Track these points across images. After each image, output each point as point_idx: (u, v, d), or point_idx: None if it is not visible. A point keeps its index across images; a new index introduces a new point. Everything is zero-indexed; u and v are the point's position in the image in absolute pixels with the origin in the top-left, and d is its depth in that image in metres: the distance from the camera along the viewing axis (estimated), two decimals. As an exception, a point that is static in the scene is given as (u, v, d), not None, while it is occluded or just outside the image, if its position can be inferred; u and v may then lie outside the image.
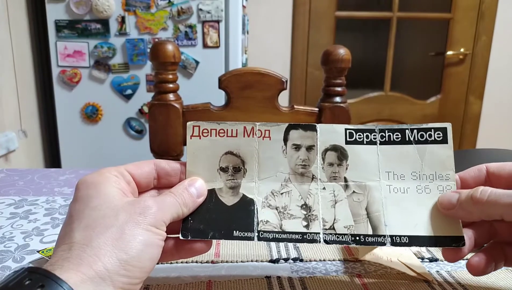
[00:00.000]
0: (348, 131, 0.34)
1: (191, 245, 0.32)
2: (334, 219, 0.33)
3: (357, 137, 0.34)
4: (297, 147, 0.34)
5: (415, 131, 0.34)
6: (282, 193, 0.34)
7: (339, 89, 0.78)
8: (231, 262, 0.40)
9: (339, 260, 0.40)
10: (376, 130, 0.34)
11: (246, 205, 0.33)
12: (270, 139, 0.34)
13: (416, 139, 0.34)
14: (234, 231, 0.32)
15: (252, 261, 0.40)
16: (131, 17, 1.64)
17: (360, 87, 2.32)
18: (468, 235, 0.33)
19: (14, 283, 0.23)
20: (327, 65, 0.76)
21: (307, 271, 0.38)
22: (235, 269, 0.39)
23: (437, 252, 0.42)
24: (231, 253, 0.41)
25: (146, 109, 1.72)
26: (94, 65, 1.69)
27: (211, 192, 0.33)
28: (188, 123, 0.34)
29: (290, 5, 2.18)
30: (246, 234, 0.32)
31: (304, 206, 0.33)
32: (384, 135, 0.34)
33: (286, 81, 0.77)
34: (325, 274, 0.38)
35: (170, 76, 0.76)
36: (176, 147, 0.79)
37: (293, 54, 2.24)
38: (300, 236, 0.32)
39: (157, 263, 0.29)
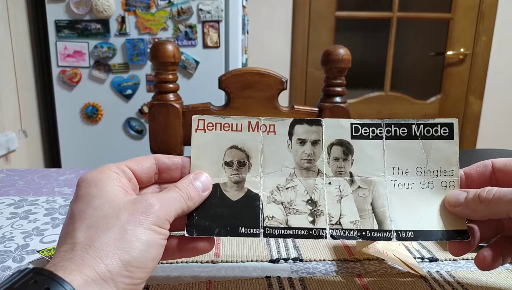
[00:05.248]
0: (353, 125, 0.34)
1: (194, 245, 0.32)
2: (340, 214, 0.33)
3: (362, 131, 0.34)
4: (302, 142, 0.34)
5: (421, 126, 0.34)
6: (287, 188, 0.33)
7: (339, 89, 0.78)
8: (231, 262, 0.40)
9: (339, 260, 0.40)
10: (382, 125, 0.34)
11: (251, 200, 0.33)
12: (275, 134, 0.34)
13: (422, 134, 0.34)
14: (240, 228, 0.32)
15: (252, 261, 0.40)
16: (131, 17, 1.64)
17: (360, 87, 2.32)
18: (474, 229, 0.33)
19: (19, 284, 0.23)
20: (327, 65, 0.76)
21: (307, 271, 0.38)
22: (235, 269, 0.39)
23: (437, 252, 0.42)
24: (231, 253, 0.41)
25: (146, 109, 1.72)
26: (94, 65, 1.69)
27: (216, 187, 0.33)
28: (193, 117, 0.34)
29: (290, 5, 2.18)
30: (251, 230, 0.32)
31: (310, 201, 0.33)
32: (390, 129, 0.34)
33: (286, 81, 0.77)
34: (325, 274, 0.38)
35: (170, 76, 0.76)
36: (176, 147, 0.79)
37: (293, 54, 2.24)
38: (306, 232, 0.32)
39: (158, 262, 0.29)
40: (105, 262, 0.25)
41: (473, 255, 0.39)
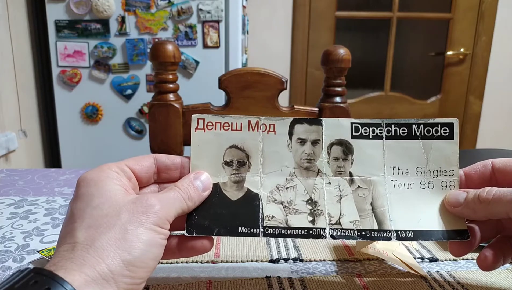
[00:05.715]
0: (354, 125, 0.34)
1: (193, 244, 0.32)
2: (340, 214, 0.33)
3: (363, 131, 0.34)
4: (302, 141, 0.34)
5: (421, 126, 0.34)
6: (287, 188, 0.33)
7: (339, 89, 0.78)
8: (231, 262, 0.40)
9: (339, 260, 0.40)
10: (382, 124, 0.34)
11: (251, 200, 0.33)
12: (275, 133, 0.34)
13: (422, 134, 0.34)
14: (239, 227, 0.32)
15: (252, 261, 0.40)
16: (131, 17, 1.64)
17: (360, 87, 2.32)
18: (474, 229, 0.33)
19: (20, 285, 0.23)
20: (327, 65, 0.76)
21: (307, 271, 0.38)
22: (235, 269, 0.39)
23: (437, 252, 0.42)
24: (231, 253, 0.41)
25: (146, 109, 1.72)
26: (94, 65, 1.69)
27: (216, 187, 0.33)
28: (193, 116, 0.34)
29: (290, 5, 2.18)
30: (251, 230, 0.32)
31: (309, 201, 0.33)
32: (390, 129, 0.34)
33: (286, 81, 0.77)
34: (325, 274, 0.38)
35: (170, 76, 0.76)
36: (176, 147, 0.79)
37: (293, 54, 2.24)
38: (306, 232, 0.32)
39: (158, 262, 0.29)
40: (106, 261, 0.25)
41: (473, 255, 0.39)
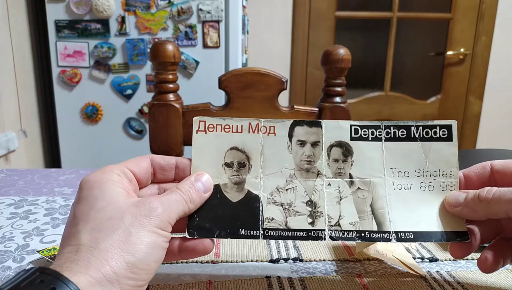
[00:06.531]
0: (353, 127, 0.35)
1: (194, 247, 0.32)
2: (339, 216, 0.33)
3: (362, 133, 0.34)
4: (302, 143, 0.34)
5: (420, 128, 0.34)
6: (287, 189, 0.34)
7: (339, 89, 0.78)
8: (231, 262, 0.40)
9: (339, 260, 0.40)
10: (381, 126, 0.35)
11: (251, 202, 0.33)
12: (275, 135, 0.34)
13: (421, 136, 0.34)
14: (240, 230, 0.32)
15: (252, 261, 0.40)
16: (131, 17, 1.64)
17: (360, 87, 2.32)
18: (474, 231, 0.33)
19: (26, 283, 0.23)
20: (327, 65, 0.76)
21: (307, 271, 0.38)
22: (235, 269, 0.39)
23: (437, 252, 0.42)
24: (231, 253, 0.41)
25: (146, 109, 1.72)
26: (94, 65, 1.69)
27: (216, 188, 0.33)
28: (195, 118, 0.35)
29: (290, 5, 2.18)
30: (251, 232, 0.32)
31: (309, 203, 0.33)
32: (389, 131, 0.34)
33: (286, 81, 0.77)
34: (325, 274, 0.38)
35: (170, 76, 0.76)
36: (176, 147, 0.79)
37: (293, 54, 2.24)
38: (305, 233, 0.32)
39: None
40: (110, 263, 0.25)
41: (473, 255, 0.39)
